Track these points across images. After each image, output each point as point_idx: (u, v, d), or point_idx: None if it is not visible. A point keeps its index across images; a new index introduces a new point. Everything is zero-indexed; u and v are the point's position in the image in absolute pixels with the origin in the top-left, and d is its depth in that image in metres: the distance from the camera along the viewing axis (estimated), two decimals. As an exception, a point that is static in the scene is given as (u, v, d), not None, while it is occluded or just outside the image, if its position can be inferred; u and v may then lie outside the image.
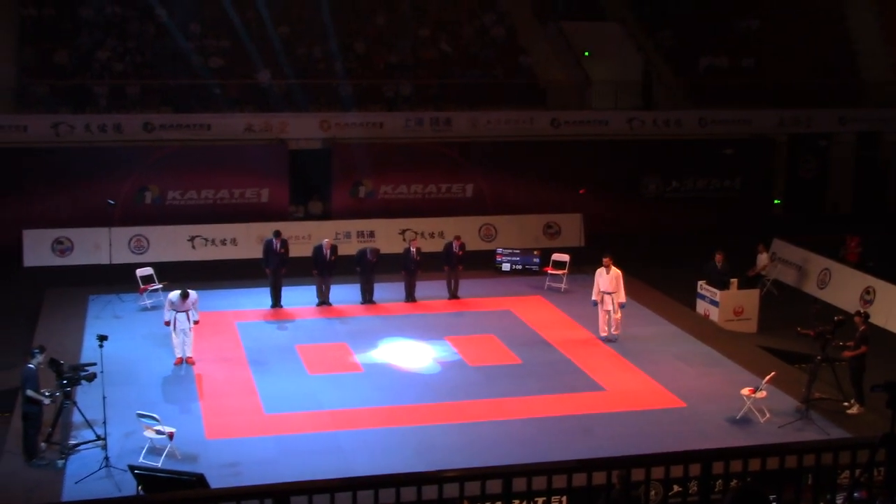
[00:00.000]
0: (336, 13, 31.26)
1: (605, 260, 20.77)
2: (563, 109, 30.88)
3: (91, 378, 15.42)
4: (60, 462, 15.00)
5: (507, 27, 33.11)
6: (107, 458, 14.73)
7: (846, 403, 17.42)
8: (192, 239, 27.02)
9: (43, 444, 15.28)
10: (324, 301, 22.84)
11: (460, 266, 23.58)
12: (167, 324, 19.05)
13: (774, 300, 24.06)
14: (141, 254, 26.23)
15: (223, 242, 27.22)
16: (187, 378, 18.56)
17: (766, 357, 20.02)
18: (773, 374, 17.42)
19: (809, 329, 17.39)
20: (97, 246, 25.46)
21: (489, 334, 21.26)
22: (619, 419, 17.09)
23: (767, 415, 16.91)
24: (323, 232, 24.78)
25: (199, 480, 13.20)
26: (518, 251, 26.14)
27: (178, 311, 18.90)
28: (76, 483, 14.38)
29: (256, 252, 24.01)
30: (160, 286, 22.38)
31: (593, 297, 21.00)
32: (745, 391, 17.15)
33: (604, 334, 20.78)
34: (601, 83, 31.71)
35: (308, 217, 29.20)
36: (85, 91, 28.34)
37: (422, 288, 23.37)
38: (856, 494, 7.48)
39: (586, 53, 33.18)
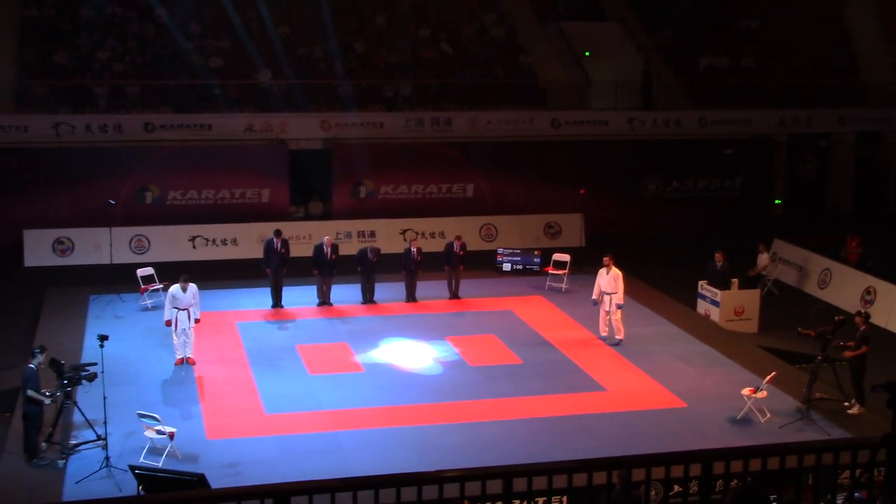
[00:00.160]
0: (336, 13, 31.27)
1: (606, 260, 20.76)
2: (563, 109, 30.88)
3: (92, 378, 15.43)
4: (61, 462, 15.00)
5: (507, 27, 33.12)
6: (107, 458, 14.72)
7: (847, 403, 17.42)
8: (192, 239, 27.03)
9: (44, 444, 15.28)
10: (324, 301, 22.84)
11: (461, 266, 23.58)
12: (168, 324, 19.03)
13: (775, 300, 24.07)
14: (141, 254, 26.24)
15: (224, 242, 27.23)
16: (188, 378, 18.56)
17: (767, 357, 20.02)
18: (773, 374, 17.42)
19: (810, 329, 17.39)
20: (98, 246, 25.46)
21: (490, 334, 21.26)
22: (619, 419, 17.09)
23: (768, 415, 16.91)
24: (323, 232, 24.77)
25: (200, 480, 13.21)
26: (519, 251, 26.15)
27: (179, 309, 18.88)
28: (77, 483, 14.38)
29: (257, 252, 24.01)
30: (161, 286, 22.37)
31: (593, 297, 21.00)
32: (746, 391, 17.15)
33: (604, 334, 20.77)
34: (601, 83, 31.71)
35: (308, 217, 29.21)
36: (85, 91, 28.34)
37: (422, 288, 23.38)
38: (856, 494, 7.49)
39: (586, 53, 33.19)
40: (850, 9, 35.68)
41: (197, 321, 19.22)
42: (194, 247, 26.90)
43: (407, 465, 14.76)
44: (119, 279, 23.11)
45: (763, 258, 24.73)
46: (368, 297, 23.07)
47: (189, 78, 29.02)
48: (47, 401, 15.31)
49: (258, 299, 22.91)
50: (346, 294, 23.16)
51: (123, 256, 25.38)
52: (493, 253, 26.32)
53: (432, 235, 27.60)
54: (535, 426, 16.74)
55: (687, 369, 19.38)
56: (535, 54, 32.47)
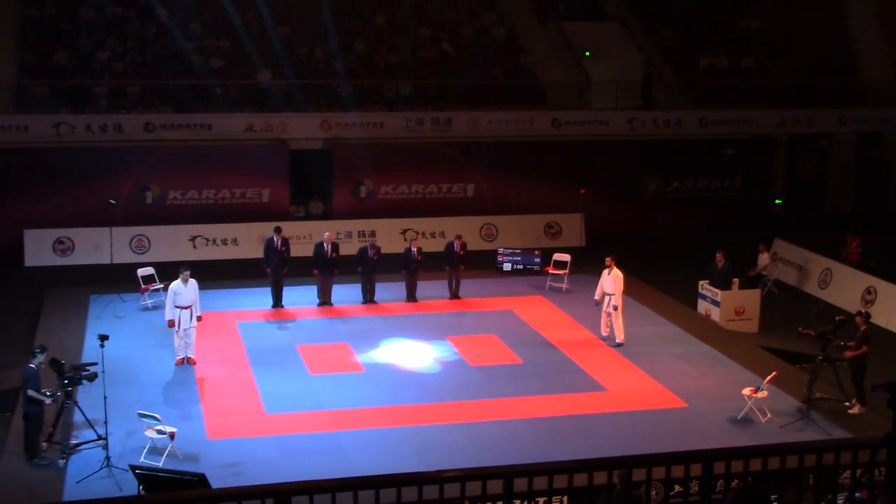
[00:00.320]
0: (336, 13, 31.27)
1: (608, 261, 20.73)
2: (563, 109, 30.88)
3: (92, 378, 15.43)
4: (61, 462, 15.00)
5: (507, 27, 33.12)
6: (108, 458, 14.73)
7: (847, 403, 17.42)
8: (192, 239, 27.03)
9: (44, 444, 15.29)
10: (325, 301, 22.84)
11: (462, 266, 23.58)
12: (171, 324, 18.99)
13: (776, 300, 24.07)
14: (142, 254, 26.24)
15: (224, 242, 27.23)
16: (188, 378, 18.56)
17: (768, 357, 20.02)
18: (774, 374, 17.42)
19: (811, 329, 17.39)
20: (98, 246, 25.47)
21: (490, 334, 21.26)
22: (620, 419, 17.09)
23: (769, 415, 16.91)
24: (324, 231, 24.72)
25: (201, 480, 13.21)
26: (519, 251, 26.15)
27: (182, 308, 18.87)
28: (77, 483, 14.38)
29: (257, 252, 24.01)
30: (161, 286, 22.37)
31: (595, 298, 20.98)
32: (747, 391, 17.15)
33: (605, 334, 20.76)
34: (601, 83, 31.71)
35: (309, 217, 29.21)
36: (85, 91, 28.34)
37: (423, 288, 23.38)
38: (857, 494, 7.48)
39: (587, 53, 33.18)
40: (851, 9, 35.68)
41: (199, 319, 19.23)
42: (195, 247, 26.90)
43: (407, 465, 14.76)
44: (119, 279, 23.12)
45: (763, 258, 24.74)
46: (369, 297, 23.08)
47: (189, 78, 29.01)
48: (48, 400, 15.31)
49: (259, 299, 22.91)
50: (346, 294, 23.16)
51: (124, 256, 25.39)
52: (494, 253, 26.32)
53: (432, 235, 27.60)
54: (536, 426, 16.74)
55: (687, 369, 19.38)
56: (536, 54, 32.47)
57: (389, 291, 23.34)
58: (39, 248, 26.22)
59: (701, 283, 22.88)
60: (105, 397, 14.97)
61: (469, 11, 33.31)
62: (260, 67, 29.71)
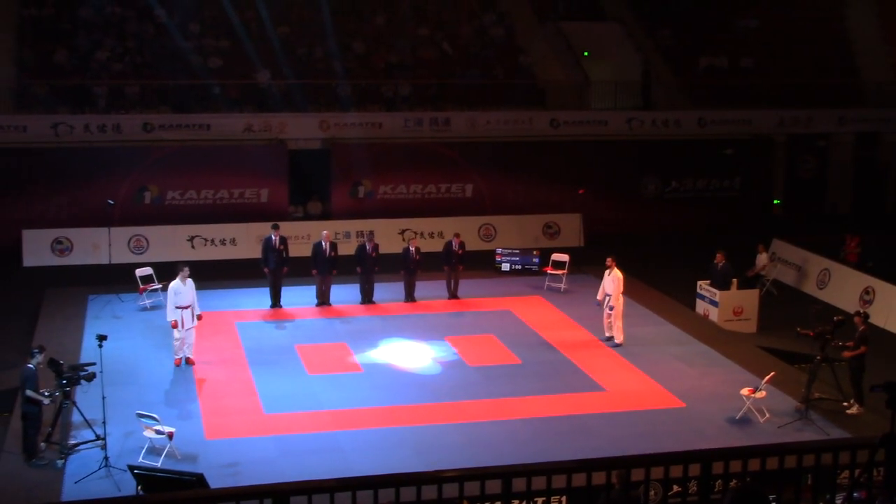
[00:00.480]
0: (335, 13, 31.27)
1: (608, 261, 20.69)
2: (562, 109, 30.88)
3: (90, 378, 15.42)
4: (60, 462, 15.00)
5: (506, 27, 33.12)
6: (106, 458, 14.72)
7: (846, 403, 17.43)
8: (191, 239, 27.02)
9: (42, 444, 15.28)
10: (323, 301, 22.84)
11: (460, 266, 23.57)
12: (175, 325, 18.93)
13: (774, 300, 24.08)
14: (140, 254, 26.23)
15: (223, 242, 27.23)
16: (187, 378, 18.55)
17: (766, 357, 20.03)
18: (772, 374, 17.44)
19: (809, 329, 17.40)
20: (96, 246, 25.47)
21: (489, 334, 21.26)
22: (618, 419, 17.10)
23: (767, 415, 16.92)
24: (322, 231, 24.71)
25: (199, 480, 13.21)
26: (517, 251, 26.15)
27: (183, 308, 18.86)
28: (76, 483, 14.38)
29: (256, 252, 24.00)
30: (160, 286, 22.37)
31: (597, 298, 20.95)
32: (745, 391, 17.16)
33: (607, 335, 20.72)
34: (600, 83, 31.72)
35: (307, 217, 29.21)
36: (84, 91, 28.33)
37: (421, 288, 23.38)
38: (855, 494, 7.49)
39: (585, 53, 33.18)
40: (850, 9, 35.69)
41: (199, 318, 19.24)
42: (193, 247, 26.89)
43: (406, 465, 14.76)
44: (118, 279, 23.11)
45: (762, 258, 24.74)
46: (367, 298, 23.08)
47: (188, 78, 29.01)
48: (46, 401, 15.30)
49: (257, 299, 22.91)
50: (345, 294, 23.16)
51: (122, 256, 25.38)
52: (492, 253, 26.32)
53: (431, 235, 27.60)
54: (534, 426, 16.74)
55: (686, 369, 19.38)
56: (535, 54, 32.48)
57: (388, 291, 23.33)
58: (38, 248, 26.20)
59: (699, 283, 22.89)
60: (103, 397, 14.97)
61: (468, 11, 33.32)
62: (259, 67, 29.71)
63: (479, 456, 15.12)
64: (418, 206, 29.20)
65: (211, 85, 29.08)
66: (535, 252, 26.02)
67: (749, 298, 22.48)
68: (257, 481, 13.20)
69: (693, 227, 29.88)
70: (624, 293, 20.65)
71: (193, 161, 28.12)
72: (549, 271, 24.67)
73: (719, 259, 22.25)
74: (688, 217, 30.60)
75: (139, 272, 22.83)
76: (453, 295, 23.55)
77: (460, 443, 15.99)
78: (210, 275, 23.79)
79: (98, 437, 15.02)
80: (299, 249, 24.67)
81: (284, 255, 22.57)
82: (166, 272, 22.14)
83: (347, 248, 24.81)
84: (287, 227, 25.01)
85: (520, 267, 25.75)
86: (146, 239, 26.67)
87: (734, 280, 22.47)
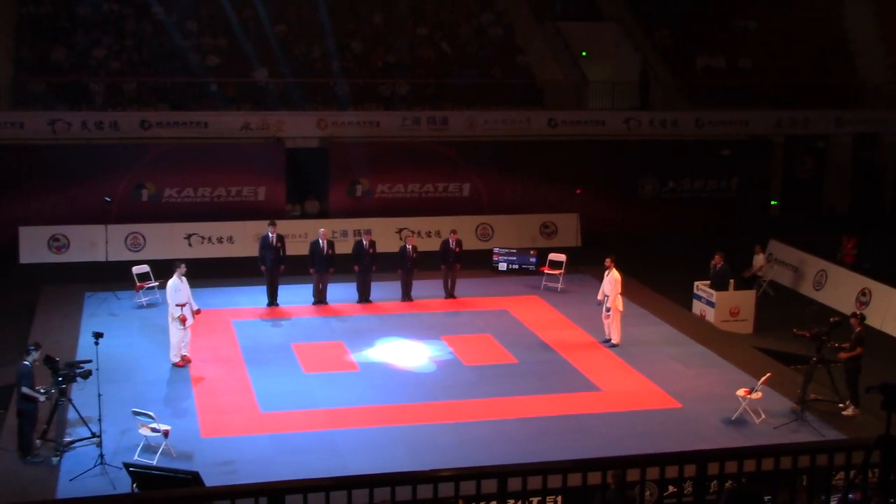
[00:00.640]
0: (333, 12, 31.27)
1: (607, 261, 20.65)
2: (560, 109, 30.88)
3: (86, 375, 15.41)
4: (55, 459, 14.99)
5: (504, 27, 33.12)
6: (102, 456, 14.71)
7: (841, 405, 17.43)
8: (188, 237, 27.01)
9: (38, 442, 15.26)
10: (320, 299, 22.83)
11: (458, 265, 23.56)
12: (184, 319, 18.87)
13: (770, 301, 24.08)
14: (137, 251, 26.21)
15: (220, 240, 27.21)
16: (183, 376, 18.54)
17: (762, 358, 20.04)
18: (768, 375, 17.45)
19: (805, 330, 17.42)
20: (93, 243, 25.45)
21: (485, 334, 21.26)
22: (614, 419, 17.10)
23: (763, 416, 16.93)
24: (319, 228, 24.70)
25: (194, 478, 13.20)
26: (515, 251, 26.15)
27: (181, 306, 18.84)
28: (71, 480, 14.37)
29: (253, 250, 24.00)
30: (156, 284, 22.37)
31: (598, 298, 20.90)
32: (741, 392, 17.17)
33: (608, 336, 20.67)
34: (598, 83, 31.73)
35: (305, 216, 29.20)
36: (82, 88, 28.30)
37: (418, 287, 23.38)
38: (850, 496, 7.49)
39: (583, 53, 33.19)
40: (848, 10, 35.72)
41: (198, 312, 19.24)
42: (190, 244, 26.87)
43: (402, 464, 14.77)
44: (115, 277, 23.08)
45: (759, 259, 24.74)
46: (364, 296, 23.07)
47: (186, 76, 29.00)
48: (42, 398, 15.28)
49: (254, 297, 22.90)
50: (341, 293, 23.16)
51: (119, 254, 25.35)
52: (490, 252, 26.32)
53: (428, 234, 27.60)
54: (531, 426, 16.74)
55: (682, 370, 19.39)
56: (533, 54, 32.48)
57: (385, 290, 23.33)
58: (34, 246, 26.17)
59: (696, 283, 22.90)
60: (99, 395, 14.96)
61: (466, 11, 33.31)
62: (256, 66, 29.70)
63: (474, 455, 15.12)
64: (416, 205, 29.19)
65: (208, 83, 29.08)
66: (532, 252, 26.02)
67: (746, 299, 22.49)
68: (253, 479, 13.20)
69: (690, 228, 29.89)
70: (622, 293, 20.61)
71: (191, 159, 28.10)
72: (546, 271, 24.68)
73: (718, 260, 22.24)
74: (685, 217, 30.61)
75: (136, 270, 22.81)
76: (450, 294, 23.55)
77: (456, 442, 15.99)
78: (207, 273, 23.78)
79: (94, 435, 15.00)
80: (296, 248, 24.68)
81: (281, 252, 22.56)
82: (163, 270, 22.14)
83: (345, 247, 24.79)
84: (284, 226, 25.00)
85: (517, 266, 25.75)
86: (143, 236, 26.65)
87: (731, 280, 22.47)
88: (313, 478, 7.60)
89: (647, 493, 11.94)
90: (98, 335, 15.24)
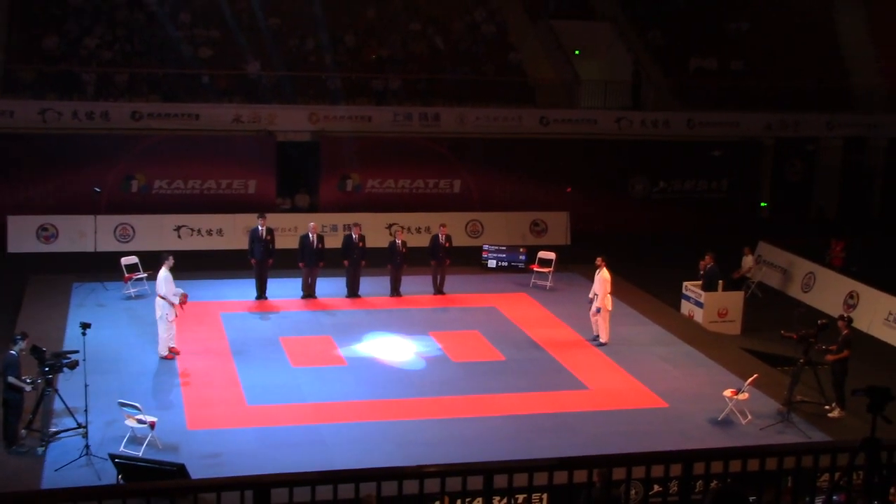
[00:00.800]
0: (327, 6, 31.19)
1: (598, 261, 20.64)
2: (551, 108, 30.89)
3: (73, 366, 15.36)
4: (40, 449, 14.94)
5: (497, 24, 33.10)
6: (87, 447, 14.68)
7: (828, 407, 17.49)
8: (178, 228, 26.95)
9: (23, 432, 15.21)
10: (309, 294, 22.81)
11: (447, 260, 23.56)
12: (185, 299, 18.98)
13: (759, 303, 24.15)
14: (126, 242, 26.14)
15: (209, 233, 27.16)
16: (170, 368, 18.50)
17: (749, 359, 20.09)
18: (755, 376, 17.50)
19: (793, 332, 17.47)
20: (82, 233, 25.37)
21: (473, 330, 21.26)
22: (601, 418, 17.13)
23: (749, 416, 16.97)
24: (309, 223, 24.66)
25: (180, 470, 13.19)
26: (504, 248, 26.16)
27: (176, 299, 18.84)
28: (56, 471, 14.33)
29: (242, 243, 23.96)
30: (145, 275, 22.32)
31: (589, 296, 20.91)
32: (728, 393, 17.21)
33: (595, 334, 20.71)
34: (590, 82, 31.74)
35: (295, 209, 29.16)
36: (73, 78, 28.20)
37: (407, 283, 23.37)
38: (835, 498, 7.52)
39: (576, 52, 33.20)
40: (840, 14, 35.81)
41: (185, 296, 19.24)
42: (179, 236, 26.82)
43: (388, 460, 14.74)
44: (103, 267, 23.02)
45: (747, 260, 24.80)
46: (353, 291, 23.06)
47: (178, 67, 28.92)
48: (28, 388, 15.23)
49: (243, 290, 22.87)
50: (330, 287, 23.14)
51: (108, 244, 25.27)
52: (479, 249, 26.32)
53: (418, 230, 27.59)
54: (517, 423, 16.75)
55: (669, 370, 19.43)
56: (525, 52, 32.47)
57: (374, 286, 23.32)
58: (23, 235, 26.09)
59: (685, 283, 22.94)
60: (86, 385, 14.91)
61: (460, 8, 33.28)
62: (249, 58, 29.64)
63: (461, 452, 15.14)
64: (406, 200, 29.19)
65: (200, 75, 29.00)
66: (521, 249, 26.03)
67: (734, 300, 22.54)
68: (239, 473, 13.16)
69: (680, 228, 29.95)
70: (611, 293, 20.62)
71: (181, 150, 28.04)
72: (535, 269, 24.69)
73: (708, 260, 22.28)
74: (675, 218, 30.67)
75: (124, 261, 22.76)
76: (439, 290, 23.55)
77: (443, 438, 16.00)
78: (196, 265, 23.74)
79: (79, 426, 14.96)
80: (286, 241, 24.64)
81: (271, 246, 22.52)
82: (152, 261, 22.09)
83: (334, 241, 24.74)
84: (274, 219, 24.96)
85: (506, 264, 25.76)
86: (132, 227, 26.58)
87: (720, 282, 22.51)
88: (299, 472, 7.61)
89: (633, 491, 11.96)
90: (85, 326, 15.19)
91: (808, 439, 15.96)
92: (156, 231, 26.62)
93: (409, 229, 27.07)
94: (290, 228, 26.46)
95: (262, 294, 22.58)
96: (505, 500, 10.42)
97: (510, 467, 6.93)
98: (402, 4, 32.64)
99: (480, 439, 15.99)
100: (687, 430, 16.70)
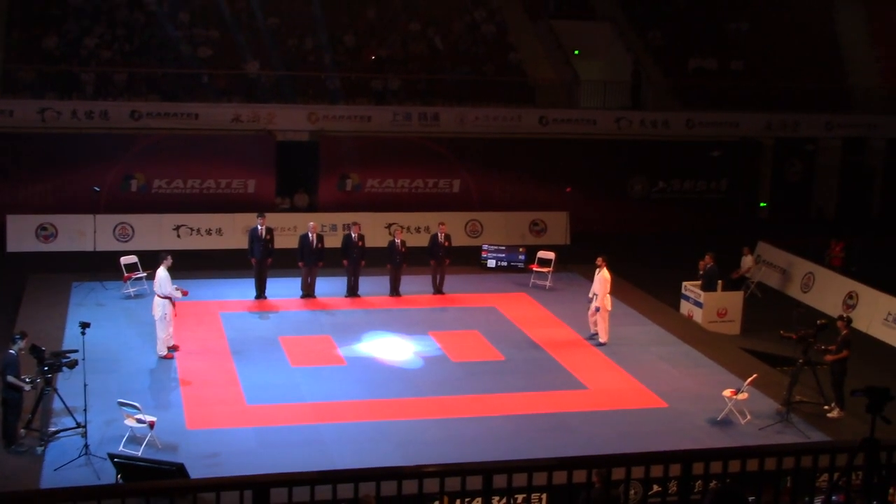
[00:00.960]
0: (326, 6, 31.22)
1: (598, 260, 20.63)
2: (551, 108, 30.89)
3: (72, 365, 15.36)
4: (40, 449, 14.94)
5: (497, 24, 33.10)
6: (86, 446, 14.67)
7: (827, 407, 17.49)
8: (177, 228, 26.95)
9: (22, 431, 15.21)
10: (308, 293, 22.81)
11: (447, 260, 23.55)
12: (186, 293, 19.18)
13: (758, 303, 24.15)
14: (125, 242, 26.14)
15: (209, 232, 27.16)
16: (169, 367, 18.50)
17: (749, 359, 20.09)
18: (754, 376, 17.50)
19: (792, 332, 17.47)
20: (81, 233, 25.36)
21: (473, 330, 21.26)
22: (600, 418, 17.12)
23: (748, 416, 16.97)
24: (308, 222, 24.66)
25: (179, 470, 13.19)
26: (504, 248, 26.16)
27: (174, 296, 18.87)
28: (55, 470, 14.32)
29: (242, 242, 23.97)
30: (144, 275, 22.32)
31: (589, 295, 20.91)
32: (727, 393, 17.21)
33: (592, 331, 20.71)
34: (590, 82, 31.75)
35: (294, 209, 29.16)
36: (72, 77, 28.20)
37: (407, 282, 23.37)
38: (833, 498, 7.52)
39: (576, 52, 33.21)
40: (839, 14, 35.83)
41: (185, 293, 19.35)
42: (179, 236, 26.83)
43: (387, 460, 14.73)
44: (102, 267, 23.02)
45: (747, 260, 24.81)
46: (352, 291, 23.06)
47: (177, 67, 28.92)
48: (27, 387, 15.22)
49: (242, 290, 22.87)
50: (330, 287, 23.14)
51: (107, 244, 25.25)
52: (478, 249, 26.32)
53: (417, 230, 27.58)
54: (516, 423, 16.75)
55: (669, 370, 19.43)
56: (525, 52, 32.47)
57: (373, 285, 23.32)
58: (22, 234, 26.08)
59: (684, 283, 22.95)
60: (85, 385, 14.90)
61: (460, 7, 33.29)
62: (248, 58, 29.64)
63: (460, 451, 15.13)
64: (405, 200, 29.19)
65: (200, 74, 29.00)
66: (521, 249, 26.03)
67: (733, 300, 22.54)
68: (238, 472, 13.14)
69: (679, 228, 29.96)
70: (611, 293, 20.61)
71: (181, 150, 28.05)
72: (534, 269, 24.69)
73: (708, 260, 22.28)
74: (674, 218, 30.69)
75: (124, 260, 22.75)
76: (438, 290, 23.55)
77: (442, 438, 16.00)
78: (195, 264, 23.74)
79: (79, 425, 14.95)
80: (286, 241, 24.63)
81: (270, 245, 22.51)
82: (151, 261, 22.07)
83: (334, 241, 24.74)
84: (274, 219, 24.95)
85: (505, 264, 25.76)
86: (132, 227, 26.58)
87: (720, 282, 22.51)
88: (298, 471, 7.61)
89: (632, 491, 11.97)
90: (85, 325, 15.18)
91: (807, 439, 15.96)
92: (155, 230, 26.62)
93: (408, 229, 27.07)
94: (289, 228, 26.46)
95: (261, 294, 22.58)
96: (504, 500, 10.43)
97: (509, 467, 6.93)
98: (401, 4, 32.64)
99: (480, 439, 15.99)
100: (686, 430, 16.69)
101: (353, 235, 22.96)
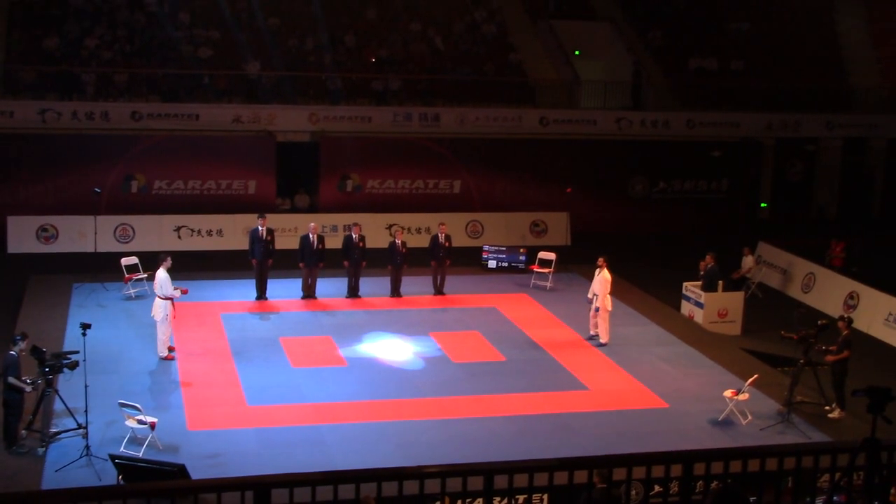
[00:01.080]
0: (326, 6, 31.24)
1: (599, 261, 20.63)
2: (551, 108, 30.90)
3: (73, 366, 15.35)
4: (41, 450, 14.93)
5: (497, 24, 33.12)
6: (87, 447, 14.67)
7: (828, 407, 17.48)
8: (177, 229, 26.96)
9: (23, 432, 15.20)
10: (309, 294, 22.81)
11: (448, 260, 23.55)
12: (186, 291, 19.13)
13: (759, 303, 24.14)
14: (126, 243, 26.15)
15: (209, 233, 27.17)
16: (170, 368, 18.50)
17: (749, 359, 20.08)
18: (755, 376, 17.50)
19: (793, 332, 17.46)
20: (82, 234, 25.38)
21: (474, 331, 21.26)
22: (601, 418, 17.12)
23: (749, 417, 16.97)
24: (309, 223, 24.66)
25: (180, 471, 13.20)
26: (504, 248, 26.16)
27: (173, 296, 18.87)
28: (56, 471, 14.32)
29: (242, 243, 23.97)
30: (145, 276, 22.32)
31: (588, 295, 20.92)
32: (728, 393, 17.20)
33: (592, 333, 20.73)
34: (590, 82, 31.75)
35: (295, 210, 29.17)
36: (73, 78, 28.20)
37: (408, 283, 23.37)
38: (835, 498, 7.52)
39: (576, 52, 33.21)
40: (840, 14, 35.84)
41: (185, 292, 19.32)
42: (179, 237, 26.84)
43: (388, 460, 14.74)
44: (103, 268, 23.02)
45: (747, 261, 24.80)
46: (353, 292, 23.06)
47: (178, 67, 28.93)
48: (28, 388, 15.22)
49: (243, 291, 22.87)
50: (330, 288, 23.15)
51: (108, 245, 25.28)
52: (479, 250, 26.32)
53: (418, 231, 27.59)
54: (517, 424, 16.75)
55: (670, 370, 19.42)
56: (525, 52, 32.48)
57: (374, 286, 23.32)
58: (23, 235, 26.09)
59: (685, 284, 22.94)
60: (86, 386, 14.90)
61: (460, 8, 33.29)
62: (249, 58, 29.64)
63: (461, 452, 15.13)
64: (406, 201, 29.20)
65: (200, 75, 29.00)
66: (521, 250, 26.03)
67: (734, 301, 22.53)
68: (239, 473, 13.17)
69: (680, 229, 29.97)
70: (611, 293, 20.61)
71: (181, 151, 28.06)
72: (535, 269, 24.69)
73: (708, 260, 22.28)
74: (675, 218, 30.70)
75: (124, 261, 22.76)
76: (439, 291, 23.55)
77: (443, 439, 15.99)
78: (196, 265, 23.74)
79: (80, 426, 14.95)
80: (286, 242, 24.65)
81: (271, 246, 22.52)
82: (152, 262, 22.07)
83: (334, 242, 24.75)
84: (274, 220, 24.97)
85: (506, 264, 25.76)
86: (132, 228, 26.59)
87: (720, 282, 22.51)
88: (300, 472, 7.61)
89: (633, 492, 11.96)
90: (86, 326, 15.18)
91: (808, 440, 15.95)
92: (156, 231, 26.63)
93: (409, 230, 27.07)
94: (290, 229, 26.47)
95: (262, 294, 22.58)
96: (505, 501, 10.42)
97: (511, 468, 6.92)
98: (402, 5, 32.65)
99: (481, 440, 15.99)
100: (687, 430, 16.69)
101: (354, 236, 22.97)
